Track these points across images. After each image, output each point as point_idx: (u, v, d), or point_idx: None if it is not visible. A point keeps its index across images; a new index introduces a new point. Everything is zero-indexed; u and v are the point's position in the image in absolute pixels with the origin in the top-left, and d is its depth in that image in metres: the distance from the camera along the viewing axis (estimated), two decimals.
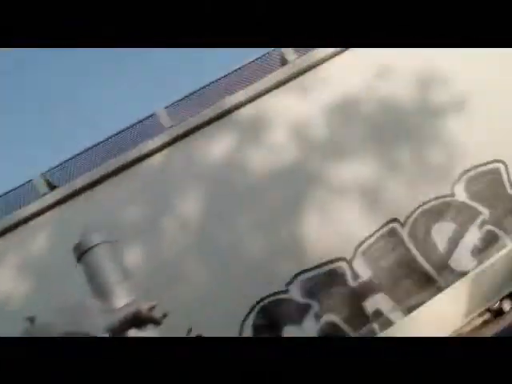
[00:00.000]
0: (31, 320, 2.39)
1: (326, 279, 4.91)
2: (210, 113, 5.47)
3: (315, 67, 5.42)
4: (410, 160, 5.24)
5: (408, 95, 5.40)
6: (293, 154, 5.26)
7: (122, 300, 2.41)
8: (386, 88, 5.34)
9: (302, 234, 5.02)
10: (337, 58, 5.43)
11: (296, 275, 4.86)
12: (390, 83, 5.38)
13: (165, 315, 2.44)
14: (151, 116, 5.93)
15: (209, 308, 4.88)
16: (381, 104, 5.33)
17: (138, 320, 2.36)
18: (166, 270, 5.05)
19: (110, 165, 5.51)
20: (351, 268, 4.87)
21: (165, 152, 5.33)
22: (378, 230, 4.96)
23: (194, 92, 5.93)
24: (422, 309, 4.35)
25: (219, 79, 5.92)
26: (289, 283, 4.91)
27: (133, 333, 2.35)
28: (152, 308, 2.41)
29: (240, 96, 5.38)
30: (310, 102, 5.32)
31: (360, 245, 4.96)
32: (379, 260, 5.07)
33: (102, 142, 6.02)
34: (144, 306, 2.37)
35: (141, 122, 6.01)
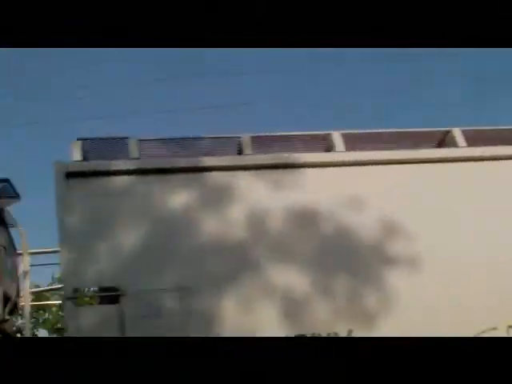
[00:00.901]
0: None
1: None
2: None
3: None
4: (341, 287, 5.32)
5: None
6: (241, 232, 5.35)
7: None
8: (346, 213, 5.42)
9: None
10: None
11: None
12: (351, 211, 5.45)
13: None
14: (122, 139, 5.96)
15: None
16: (336, 225, 5.41)
17: None
18: None
19: None
20: None
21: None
22: None
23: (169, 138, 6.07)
24: None
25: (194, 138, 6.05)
26: None
27: None
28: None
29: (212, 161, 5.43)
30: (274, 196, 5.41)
31: None
32: None
33: None
34: None
35: (111, 139, 6.05)
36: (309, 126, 26.64)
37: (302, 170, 5.53)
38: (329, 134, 5.87)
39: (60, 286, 9.19)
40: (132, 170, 5.37)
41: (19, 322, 7.05)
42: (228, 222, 5.30)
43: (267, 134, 6.01)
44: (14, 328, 5.72)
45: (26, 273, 5.57)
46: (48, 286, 13.01)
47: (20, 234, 5.56)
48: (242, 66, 27.33)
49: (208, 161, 5.48)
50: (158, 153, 5.76)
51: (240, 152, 5.79)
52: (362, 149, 5.72)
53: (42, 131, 28.62)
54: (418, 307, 5.13)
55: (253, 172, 5.49)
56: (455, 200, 5.50)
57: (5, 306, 4.80)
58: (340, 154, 5.70)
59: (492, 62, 27.95)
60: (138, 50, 19.21)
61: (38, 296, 12.18)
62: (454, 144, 5.89)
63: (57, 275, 12.62)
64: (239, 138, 5.83)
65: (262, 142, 5.81)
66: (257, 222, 5.34)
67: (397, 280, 5.22)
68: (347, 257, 5.32)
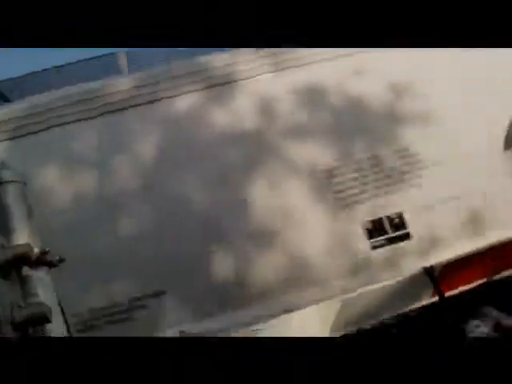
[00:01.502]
0: None
1: None
2: (180, 68, 5.44)
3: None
4: (364, 157, 5.30)
5: (377, 99, 5.45)
6: (254, 122, 5.27)
7: (22, 239, 2.41)
8: (358, 87, 5.39)
9: (249, 200, 5.04)
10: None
11: None
12: (362, 83, 5.43)
13: (61, 260, 2.44)
14: (109, 55, 5.87)
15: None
16: (348, 100, 5.38)
17: (27, 261, 2.35)
18: (107, 205, 4.99)
19: (72, 95, 5.38)
20: None
21: (130, 92, 5.25)
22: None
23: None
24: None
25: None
26: None
27: (26, 270, 2.35)
28: (45, 252, 2.40)
29: (215, 58, 5.36)
30: (282, 78, 5.37)
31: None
32: None
33: (59, 67, 5.90)
34: (34, 250, 2.37)
35: (99, 57, 5.94)
36: None
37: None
38: None
39: None
40: None
41: None
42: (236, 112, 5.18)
43: None
44: None
45: None
46: None
47: None
48: None
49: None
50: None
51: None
52: None
53: None
54: None
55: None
56: None
57: None
58: None
59: None
60: None
61: None
62: None
63: None
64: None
65: None
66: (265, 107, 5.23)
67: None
68: (363, 121, 5.20)
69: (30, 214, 2.53)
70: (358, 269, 4.64)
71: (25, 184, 2.59)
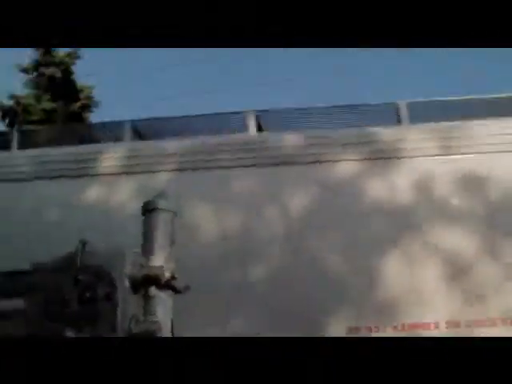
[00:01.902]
0: (83, 243, 2.57)
1: None
2: (348, 136, 5.53)
3: None
4: None
5: None
6: (407, 200, 5.29)
7: (158, 262, 2.63)
8: None
9: (381, 272, 5.08)
10: None
11: None
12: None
13: (187, 287, 2.63)
14: (390, 104, 5.96)
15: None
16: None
17: (157, 282, 2.55)
18: (243, 250, 5.17)
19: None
20: None
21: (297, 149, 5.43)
22: None
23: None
24: None
25: None
26: None
27: (153, 290, 2.55)
28: (173, 277, 2.59)
29: None
30: (446, 164, 5.34)
31: None
32: None
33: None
34: (166, 273, 2.57)
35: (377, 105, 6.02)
36: None
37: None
38: None
39: None
40: None
41: None
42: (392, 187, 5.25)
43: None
44: None
45: None
46: None
47: None
48: None
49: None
50: None
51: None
52: None
53: None
54: None
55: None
56: None
57: None
58: None
59: None
60: None
61: None
62: None
63: None
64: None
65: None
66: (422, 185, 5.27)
67: None
68: None
69: (172, 242, 2.74)
70: None
71: (175, 215, 2.79)
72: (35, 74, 19.39)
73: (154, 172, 5.48)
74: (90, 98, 19.69)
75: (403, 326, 4.90)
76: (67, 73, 19.31)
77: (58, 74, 19.03)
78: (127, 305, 2.48)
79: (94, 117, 19.58)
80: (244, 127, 5.97)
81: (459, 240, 5.09)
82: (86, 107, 19.63)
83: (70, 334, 2.36)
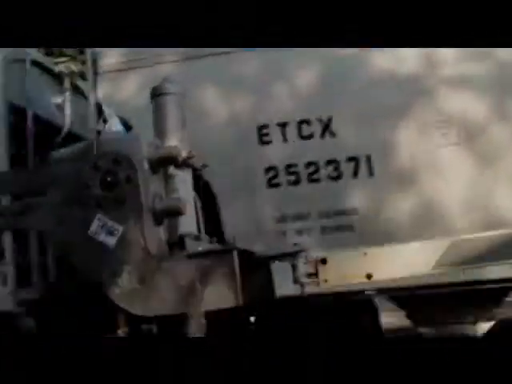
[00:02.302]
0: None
1: None
2: None
3: None
4: None
5: None
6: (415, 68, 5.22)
7: (173, 142, 2.73)
8: None
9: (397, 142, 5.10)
10: None
11: None
12: None
13: (205, 165, 2.78)
14: None
15: None
16: None
17: (174, 161, 2.64)
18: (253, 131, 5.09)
19: None
20: None
21: None
22: None
23: None
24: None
25: None
26: None
27: (171, 169, 2.64)
28: (191, 157, 2.71)
29: None
30: None
31: None
32: None
33: None
34: (182, 152, 2.66)
35: None
36: None
37: None
38: None
39: None
40: None
41: None
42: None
43: None
44: None
45: None
46: None
47: None
48: None
49: None
50: None
51: None
52: None
53: None
54: None
55: None
56: None
57: None
58: None
59: None
60: None
61: None
62: None
63: None
64: None
65: None
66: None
67: None
68: None
69: (183, 123, 2.87)
70: (492, 225, 4.50)
71: (184, 97, 2.87)
72: None
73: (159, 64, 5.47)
74: None
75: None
76: None
77: None
78: (148, 185, 2.52)
79: None
80: None
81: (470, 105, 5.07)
82: None
83: (99, 216, 2.40)
